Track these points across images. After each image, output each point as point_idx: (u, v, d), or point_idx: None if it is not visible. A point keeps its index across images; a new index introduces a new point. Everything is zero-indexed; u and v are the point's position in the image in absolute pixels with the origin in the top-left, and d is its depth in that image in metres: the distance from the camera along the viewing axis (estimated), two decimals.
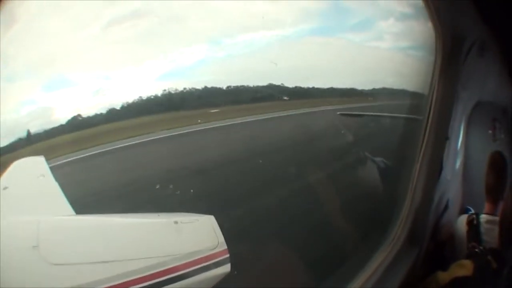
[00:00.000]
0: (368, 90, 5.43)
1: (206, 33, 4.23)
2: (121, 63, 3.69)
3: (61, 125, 3.42)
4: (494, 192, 3.23)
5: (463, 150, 3.87)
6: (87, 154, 3.95)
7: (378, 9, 4.76)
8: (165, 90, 4.12)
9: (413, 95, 3.95)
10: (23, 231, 2.29)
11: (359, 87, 5.39)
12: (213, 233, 2.55)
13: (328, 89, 5.23)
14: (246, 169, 4.71)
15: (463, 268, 2.75)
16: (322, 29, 5.29)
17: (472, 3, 2.67)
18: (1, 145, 2.84)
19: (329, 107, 5.54)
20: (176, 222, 2.52)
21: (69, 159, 3.60)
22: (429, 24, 2.86)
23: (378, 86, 5.36)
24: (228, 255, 2.52)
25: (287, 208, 3.91)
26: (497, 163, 3.35)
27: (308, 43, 4.94)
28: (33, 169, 2.89)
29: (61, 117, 3.46)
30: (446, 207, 3.44)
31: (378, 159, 3.76)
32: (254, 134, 5.42)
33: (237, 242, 2.74)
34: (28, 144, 3.14)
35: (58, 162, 3.30)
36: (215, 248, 2.50)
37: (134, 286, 2.27)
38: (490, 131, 3.98)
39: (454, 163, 3.66)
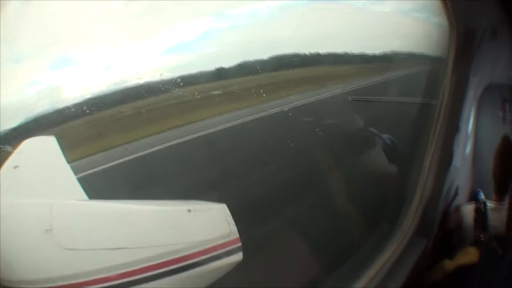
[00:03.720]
0: (379, 55, 5.43)
1: (209, 5, 4.19)
2: (128, 39, 3.67)
3: (72, 104, 3.41)
4: (502, 180, 3.23)
5: (474, 135, 3.87)
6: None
7: None
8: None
9: (421, 57, 3.97)
10: (36, 214, 2.25)
11: (369, 51, 5.39)
12: (225, 221, 2.55)
13: (338, 54, 5.22)
14: (251, 154, 4.73)
15: (468, 255, 2.79)
16: None
17: None
18: (11, 127, 2.82)
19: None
20: (189, 210, 2.51)
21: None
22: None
23: (386, 50, 5.37)
24: (240, 244, 2.52)
25: (295, 197, 3.92)
26: (504, 150, 3.34)
27: (311, 10, 4.92)
28: (44, 149, 2.86)
29: (70, 96, 3.44)
30: (456, 194, 3.45)
31: (384, 135, 3.75)
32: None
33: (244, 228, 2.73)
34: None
35: None
36: (227, 236, 2.50)
37: (146, 274, 2.27)
38: (500, 113, 3.98)
39: (464, 149, 3.65)
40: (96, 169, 3.87)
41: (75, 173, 2.88)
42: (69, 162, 2.83)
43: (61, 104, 3.37)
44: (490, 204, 3.21)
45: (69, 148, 3.19)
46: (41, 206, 2.28)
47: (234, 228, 2.54)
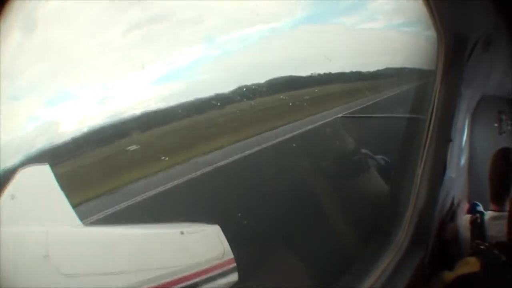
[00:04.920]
0: (373, 72, 5.49)
1: (201, 32, 4.32)
2: (122, 70, 3.77)
3: (69, 139, 3.51)
4: (500, 192, 3.26)
5: (468, 147, 3.90)
6: None
7: None
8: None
9: (413, 71, 4.03)
10: (33, 240, 2.39)
11: (363, 69, 5.45)
12: (219, 242, 2.63)
13: (333, 74, 5.28)
14: (245, 174, 4.79)
15: (468, 265, 2.79)
16: (314, 16, 5.38)
17: None
18: (13, 164, 2.94)
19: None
20: (182, 233, 2.60)
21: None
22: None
23: (380, 67, 5.43)
24: (235, 264, 2.60)
25: (291, 215, 3.97)
26: (500, 163, 3.37)
27: (301, 32, 5.01)
28: (39, 178, 2.99)
29: (67, 130, 3.55)
30: (452, 204, 3.48)
31: (378, 157, 3.79)
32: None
33: (242, 249, 2.80)
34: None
35: None
36: (221, 257, 2.58)
37: None
38: (496, 124, 4.02)
39: (459, 161, 3.69)
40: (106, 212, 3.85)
41: (86, 217, 3.00)
42: (76, 206, 2.95)
43: (58, 140, 3.49)
44: (489, 213, 3.24)
45: (77, 191, 3.31)
46: (37, 234, 2.41)
47: (228, 248, 2.62)
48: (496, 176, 3.31)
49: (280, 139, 5.57)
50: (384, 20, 5.29)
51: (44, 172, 2.98)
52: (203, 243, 2.70)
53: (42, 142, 3.39)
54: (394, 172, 3.58)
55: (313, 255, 3.35)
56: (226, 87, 4.42)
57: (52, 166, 3.10)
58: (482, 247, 2.93)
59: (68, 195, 2.87)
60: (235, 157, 5.21)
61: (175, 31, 4.19)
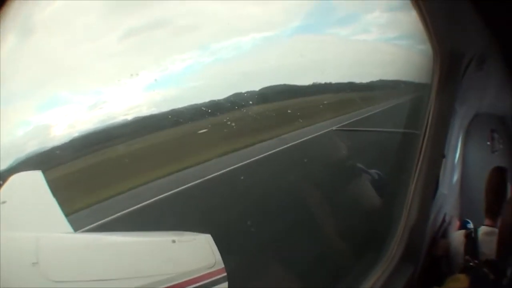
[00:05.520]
0: (366, 83, 5.55)
1: (195, 39, 4.34)
2: (115, 75, 3.77)
3: (60, 143, 3.52)
4: (494, 208, 3.31)
5: (461, 164, 3.95)
6: None
7: (363, 3, 4.90)
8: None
9: (407, 84, 4.06)
10: (23, 247, 2.36)
11: (356, 80, 5.50)
12: (210, 252, 2.63)
13: (327, 84, 5.31)
14: (236, 186, 4.80)
15: (457, 282, 2.83)
16: (308, 26, 5.42)
17: (473, 15, 2.53)
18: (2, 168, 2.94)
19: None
20: (174, 241, 2.61)
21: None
22: (414, 14, 2.76)
23: (374, 78, 5.50)
24: (225, 274, 2.58)
25: (283, 226, 3.99)
26: (496, 180, 3.42)
27: (296, 41, 5.05)
28: (30, 184, 2.99)
29: (58, 135, 3.56)
30: (443, 221, 3.52)
31: (372, 171, 3.81)
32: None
33: (232, 260, 2.81)
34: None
35: None
36: (212, 266, 2.57)
37: None
38: (488, 143, 4.06)
39: (451, 178, 3.73)
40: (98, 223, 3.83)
41: (77, 225, 2.99)
42: (68, 213, 2.93)
43: (49, 144, 3.50)
44: (483, 228, 3.28)
45: (68, 197, 3.31)
46: (27, 240, 2.40)
47: (219, 258, 2.61)
48: (492, 191, 3.36)
49: (272, 151, 5.60)
50: (377, 32, 5.36)
51: (36, 178, 2.99)
52: (194, 252, 2.70)
53: (33, 147, 3.40)
54: (388, 188, 3.60)
55: (304, 268, 3.38)
56: (219, 94, 4.44)
57: (43, 171, 3.11)
58: (471, 264, 2.98)
59: (59, 201, 2.88)
60: (227, 168, 5.22)
61: (170, 38, 4.22)
